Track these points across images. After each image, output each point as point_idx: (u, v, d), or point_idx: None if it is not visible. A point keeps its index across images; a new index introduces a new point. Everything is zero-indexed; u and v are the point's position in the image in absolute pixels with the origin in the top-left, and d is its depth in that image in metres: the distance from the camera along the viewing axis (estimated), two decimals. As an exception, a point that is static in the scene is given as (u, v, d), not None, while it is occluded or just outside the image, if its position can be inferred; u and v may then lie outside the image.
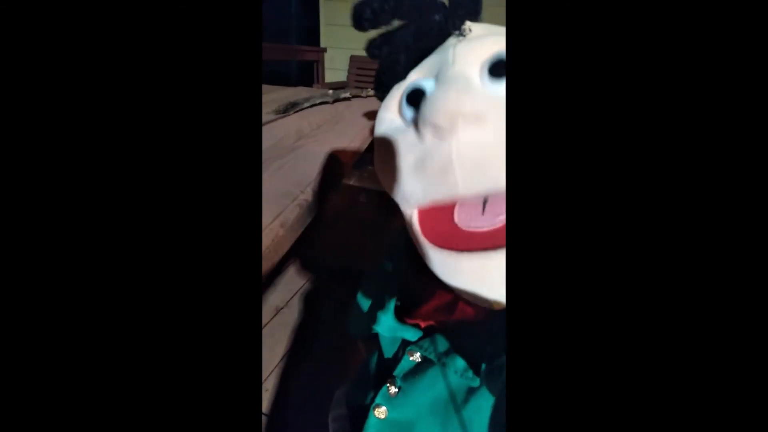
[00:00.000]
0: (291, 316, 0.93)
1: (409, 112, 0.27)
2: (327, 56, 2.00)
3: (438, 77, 0.26)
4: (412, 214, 0.28)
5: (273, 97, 1.01)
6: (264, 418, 0.71)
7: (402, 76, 0.29)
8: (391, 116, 0.29)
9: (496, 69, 0.25)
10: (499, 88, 0.24)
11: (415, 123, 0.26)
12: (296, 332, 0.88)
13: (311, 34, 2.13)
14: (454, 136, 0.23)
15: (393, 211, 0.30)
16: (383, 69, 0.31)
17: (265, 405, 0.73)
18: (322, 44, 2.08)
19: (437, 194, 0.26)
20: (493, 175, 0.23)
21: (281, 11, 2.18)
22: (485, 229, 0.24)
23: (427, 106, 0.24)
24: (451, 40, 0.28)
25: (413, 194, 0.27)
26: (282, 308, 0.95)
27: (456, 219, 0.25)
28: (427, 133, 0.25)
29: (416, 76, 0.28)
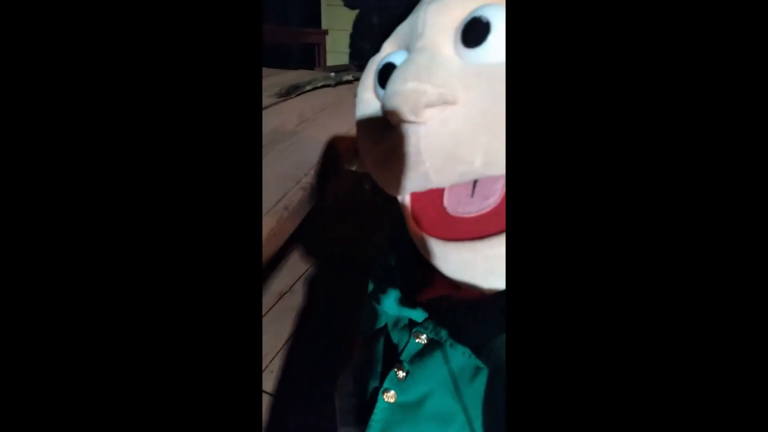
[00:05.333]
0: (295, 301, 0.93)
1: (383, 93, 0.24)
2: (329, 39, 1.97)
3: (409, 49, 0.23)
4: (404, 199, 0.26)
5: (274, 80, 0.99)
6: (269, 397, 0.72)
7: (377, 42, 0.26)
8: (368, 96, 0.26)
9: (470, 32, 0.21)
10: (477, 54, 0.20)
11: None
12: (300, 316, 0.89)
13: (312, 16, 2.09)
14: (420, 124, 0.21)
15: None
16: (356, 32, 0.29)
17: (271, 385, 0.74)
18: (324, 26, 2.04)
19: (412, 185, 0.24)
20: (467, 161, 0.21)
21: (281, -7, 2.14)
22: (473, 215, 0.23)
23: (387, 92, 0.21)
24: None
25: (393, 184, 0.25)
26: (285, 293, 0.96)
27: (445, 202, 0.24)
28: (394, 120, 0.22)
29: (389, 49, 0.25)
